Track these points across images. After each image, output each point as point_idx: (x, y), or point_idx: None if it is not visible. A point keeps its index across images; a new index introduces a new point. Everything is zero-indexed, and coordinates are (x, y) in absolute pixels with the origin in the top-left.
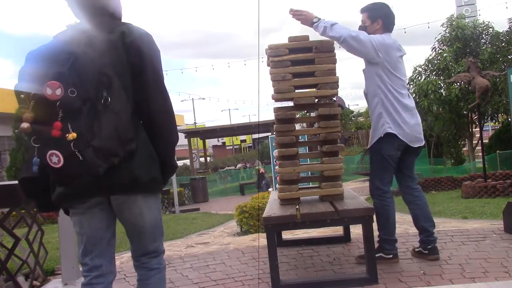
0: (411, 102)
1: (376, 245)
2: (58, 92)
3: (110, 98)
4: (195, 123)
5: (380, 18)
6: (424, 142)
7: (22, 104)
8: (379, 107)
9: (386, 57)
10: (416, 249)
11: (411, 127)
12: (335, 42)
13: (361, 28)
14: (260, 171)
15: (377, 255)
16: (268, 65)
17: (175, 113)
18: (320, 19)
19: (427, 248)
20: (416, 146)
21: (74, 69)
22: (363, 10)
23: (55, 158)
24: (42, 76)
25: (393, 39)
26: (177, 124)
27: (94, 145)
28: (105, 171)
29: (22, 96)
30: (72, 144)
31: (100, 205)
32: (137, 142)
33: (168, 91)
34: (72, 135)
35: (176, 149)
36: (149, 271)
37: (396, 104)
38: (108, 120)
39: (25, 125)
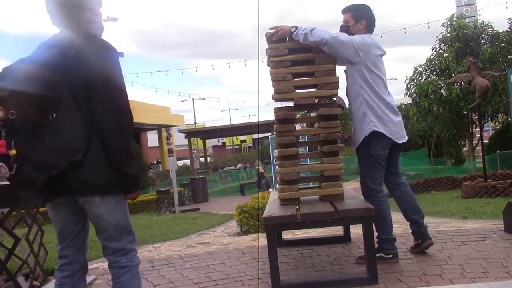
0: (392, 100)
1: (376, 245)
2: (0, 114)
3: (56, 114)
4: (195, 123)
5: (364, 19)
6: (407, 138)
7: None
8: (363, 106)
9: (367, 56)
10: (412, 246)
11: (395, 124)
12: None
13: (342, 27)
14: (260, 171)
15: (377, 255)
16: (268, 65)
17: (176, 113)
18: (297, 27)
19: (420, 237)
20: (401, 142)
21: (19, 91)
22: (346, 10)
23: (3, 170)
24: None
25: (373, 39)
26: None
27: (33, 160)
28: (57, 176)
29: None
30: (11, 160)
31: (65, 204)
32: (87, 151)
33: (123, 104)
34: (12, 152)
35: (176, 149)
36: (120, 269)
37: (380, 103)
38: (52, 136)
39: None
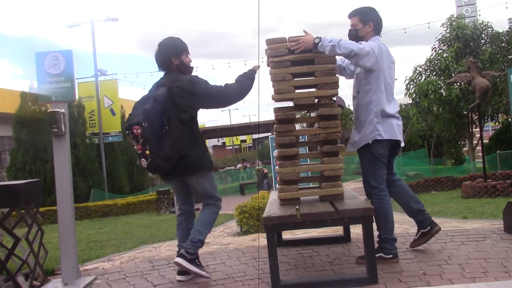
0: (396, 106)
1: (376, 245)
2: (139, 131)
3: (168, 127)
4: None
5: (371, 21)
6: (403, 144)
7: (128, 137)
8: (372, 115)
9: (383, 63)
10: (415, 238)
11: (397, 127)
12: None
13: (351, 32)
14: (265, 172)
15: (377, 255)
16: (268, 65)
17: None
18: (321, 38)
19: (427, 225)
20: (400, 144)
21: (147, 117)
22: (352, 14)
23: (143, 162)
24: (132, 122)
25: (386, 46)
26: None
27: (161, 156)
28: (174, 164)
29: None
30: (148, 156)
31: (178, 180)
32: (187, 149)
33: (226, 93)
34: (147, 152)
35: None
36: (204, 206)
37: (387, 112)
38: (168, 141)
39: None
